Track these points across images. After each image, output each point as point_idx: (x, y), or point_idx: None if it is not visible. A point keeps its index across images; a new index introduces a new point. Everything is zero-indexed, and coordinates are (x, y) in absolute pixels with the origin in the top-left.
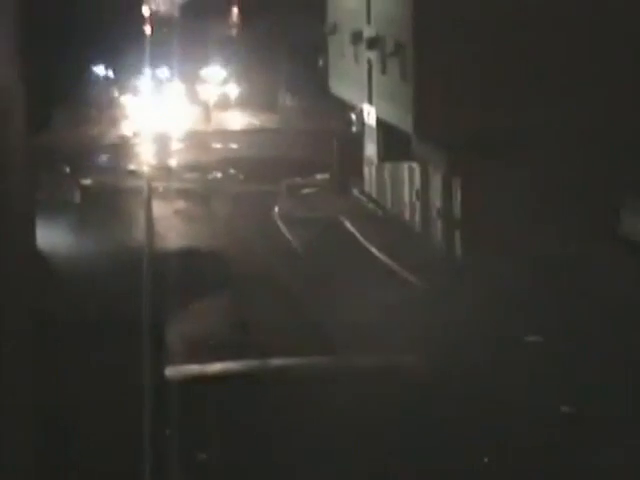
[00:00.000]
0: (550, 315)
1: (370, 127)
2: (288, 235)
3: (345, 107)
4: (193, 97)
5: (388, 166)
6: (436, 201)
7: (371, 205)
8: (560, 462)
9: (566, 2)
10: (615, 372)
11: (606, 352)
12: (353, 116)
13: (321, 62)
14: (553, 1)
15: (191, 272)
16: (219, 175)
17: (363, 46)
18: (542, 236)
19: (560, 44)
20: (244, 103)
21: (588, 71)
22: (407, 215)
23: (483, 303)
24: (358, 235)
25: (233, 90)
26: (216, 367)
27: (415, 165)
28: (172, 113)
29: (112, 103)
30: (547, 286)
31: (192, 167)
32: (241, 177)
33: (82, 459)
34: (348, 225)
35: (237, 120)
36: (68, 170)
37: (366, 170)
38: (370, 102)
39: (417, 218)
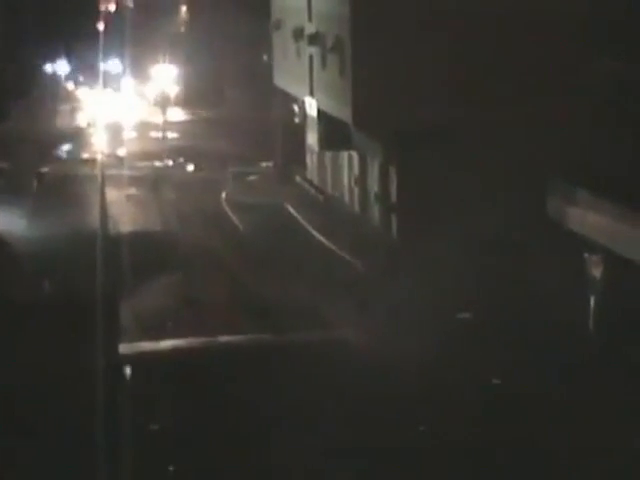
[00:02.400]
0: (478, 293)
1: (312, 118)
2: (234, 219)
3: (288, 99)
4: (144, 91)
5: (329, 154)
6: (373, 187)
7: (313, 191)
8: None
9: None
10: (536, 348)
11: (530, 329)
12: (296, 107)
13: (265, 57)
14: (487, 4)
15: (142, 253)
16: (169, 163)
17: (305, 42)
18: (474, 220)
19: (489, 42)
20: (193, 96)
21: (515, 67)
22: (346, 200)
23: (416, 282)
24: (300, 219)
25: (181, 84)
26: (167, 344)
27: (354, 153)
28: (124, 106)
29: (68, 96)
30: (476, 267)
31: (143, 156)
32: (189, 165)
33: (38, 434)
34: (291, 209)
35: (186, 112)
36: (26, 159)
37: (308, 158)
38: (311, 94)
39: (356, 203)
